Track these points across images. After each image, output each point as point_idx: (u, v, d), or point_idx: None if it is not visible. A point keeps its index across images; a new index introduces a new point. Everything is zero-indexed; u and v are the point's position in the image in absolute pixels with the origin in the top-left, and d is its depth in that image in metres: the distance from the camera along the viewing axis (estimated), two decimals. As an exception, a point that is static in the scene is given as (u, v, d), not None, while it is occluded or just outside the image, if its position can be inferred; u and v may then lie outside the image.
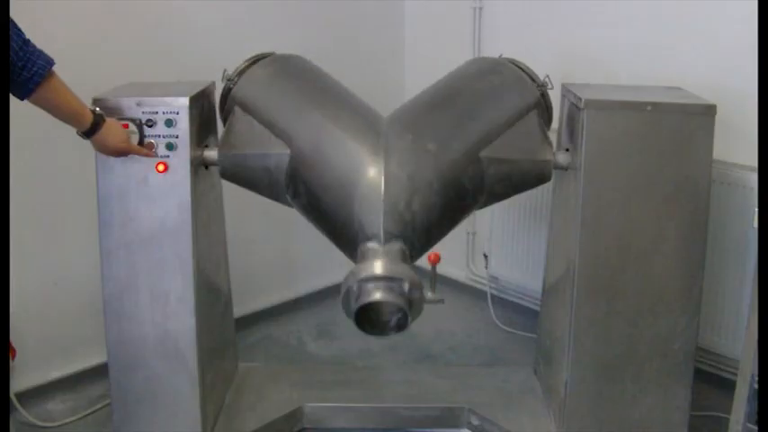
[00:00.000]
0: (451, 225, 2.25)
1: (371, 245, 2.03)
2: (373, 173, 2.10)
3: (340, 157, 2.18)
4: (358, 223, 2.07)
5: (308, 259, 3.53)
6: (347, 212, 2.10)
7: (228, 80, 2.43)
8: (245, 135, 2.33)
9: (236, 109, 2.39)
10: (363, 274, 1.92)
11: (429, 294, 2.06)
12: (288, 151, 2.24)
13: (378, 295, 1.90)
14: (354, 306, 1.92)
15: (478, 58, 2.98)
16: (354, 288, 1.93)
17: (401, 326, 2.01)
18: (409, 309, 1.95)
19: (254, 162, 2.29)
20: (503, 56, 2.64)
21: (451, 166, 2.18)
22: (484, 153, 2.24)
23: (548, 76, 2.46)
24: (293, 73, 2.51)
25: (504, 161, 2.27)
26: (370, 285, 1.92)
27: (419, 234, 2.09)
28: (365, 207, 2.07)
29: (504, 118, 2.34)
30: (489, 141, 2.26)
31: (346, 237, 2.12)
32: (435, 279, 2.16)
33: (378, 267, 1.93)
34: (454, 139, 2.23)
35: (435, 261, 2.14)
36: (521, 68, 2.52)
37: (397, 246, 2.03)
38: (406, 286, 1.93)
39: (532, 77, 2.47)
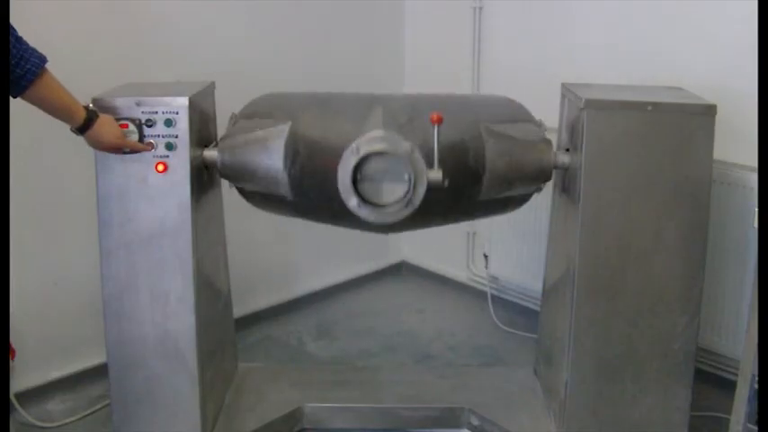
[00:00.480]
0: (451, 190, 2.19)
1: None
2: (374, 108, 2.17)
3: (341, 110, 2.25)
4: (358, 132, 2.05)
5: (307, 259, 3.53)
6: (352, 124, 2.13)
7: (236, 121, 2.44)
8: (245, 128, 2.33)
9: (240, 120, 2.40)
10: (362, 138, 1.89)
11: (431, 173, 1.96)
12: (289, 123, 2.25)
13: (380, 146, 1.87)
14: (353, 160, 1.88)
15: None
16: (354, 146, 1.90)
17: (402, 204, 1.94)
18: (412, 174, 1.89)
19: (252, 149, 2.27)
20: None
21: (450, 120, 2.13)
22: (483, 125, 2.26)
23: (540, 120, 2.45)
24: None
25: (503, 136, 2.28)
26: (370, 144, 1.89)
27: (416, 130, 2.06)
28: (367, 123, 2.07)
29: (502, 114, 2.37)
30: (488, 121, 2.29)
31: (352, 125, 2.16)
32: (438, 146, 1.98)
33: (378, 132, 1.91)
34: (451, 108, 2.27)
35: (438, 121, 1.95)
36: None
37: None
38: (408, 146, 1.89)
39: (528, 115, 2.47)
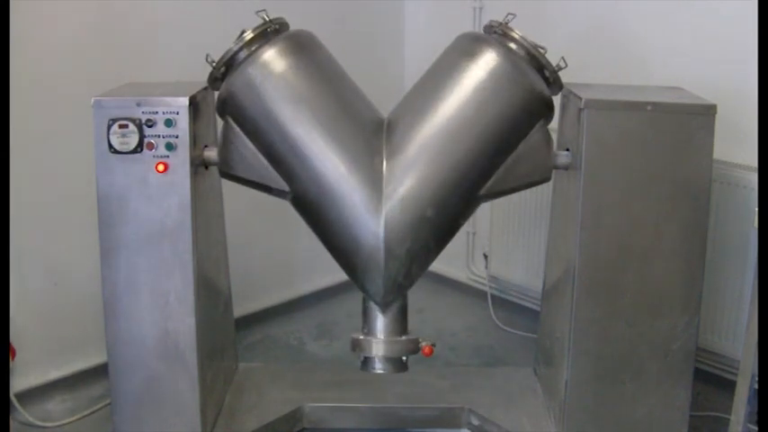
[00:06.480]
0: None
1: (375, 309, 2.29)
2: (373, 248, 2.17)
3: (341, 213, 2.18)
4: (360, 284, 2.27)
5: (308, 259, 3.52)
6: (350, 262, 2.26)
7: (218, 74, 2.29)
8: (242, 156, 2.25)
9: (232, 123, 2.25)
10: (366, 353, 2.34)
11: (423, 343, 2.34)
12: (288, 189, 2.23)
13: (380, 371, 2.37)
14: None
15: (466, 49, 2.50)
16: (361, 357, 2.36)
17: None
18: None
19: (254, 167, 2.26)
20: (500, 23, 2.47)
21: (449, 221, 2.29)
22: (483, 191, 2.25)
23: (563, 58, 2.33)
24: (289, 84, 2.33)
25: (501, 192, 2.30)
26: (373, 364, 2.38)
27: (414, 279, 2.30)
28: (367, 277, 2.22)
29: (507, 148, 2.25)
30: (489, 177, 2.23)
31: (349, 261, 2.27)
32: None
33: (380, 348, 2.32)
34: (454, 192, 2.21)
35: (429, 353, 2.40)
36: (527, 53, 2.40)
37: (395, 306, 2.29)
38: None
39: (543, 65, 2.35)
